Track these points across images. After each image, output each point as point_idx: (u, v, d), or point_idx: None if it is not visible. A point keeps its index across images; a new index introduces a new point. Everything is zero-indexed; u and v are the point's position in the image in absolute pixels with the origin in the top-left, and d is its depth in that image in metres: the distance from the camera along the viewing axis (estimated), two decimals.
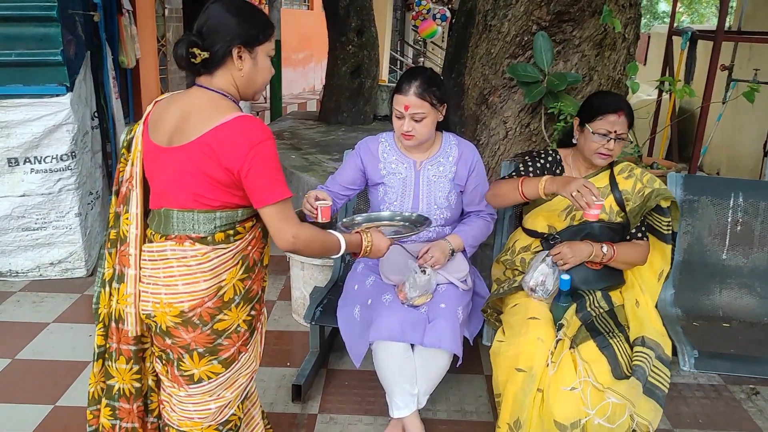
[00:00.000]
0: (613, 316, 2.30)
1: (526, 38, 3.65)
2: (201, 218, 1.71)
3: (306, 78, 12.23)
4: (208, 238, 1.71)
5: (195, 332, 1.74)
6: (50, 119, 3.68)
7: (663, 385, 2.10)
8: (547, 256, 2.32)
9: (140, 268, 1.78)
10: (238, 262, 1.77)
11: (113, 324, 1.82)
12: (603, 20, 3.39)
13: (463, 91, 4.46)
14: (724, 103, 5.61)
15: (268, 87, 8.37)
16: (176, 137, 1.69)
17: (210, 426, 1.85)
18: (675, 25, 5.89)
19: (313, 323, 2.59)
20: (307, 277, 3.29)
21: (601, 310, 2.29)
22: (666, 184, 2.56)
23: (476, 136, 4.03)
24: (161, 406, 1.90)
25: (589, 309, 2.28)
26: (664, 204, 2.40)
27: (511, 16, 3.69)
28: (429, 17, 8.70)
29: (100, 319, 1.87)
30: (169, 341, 1.77)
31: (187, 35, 1.68)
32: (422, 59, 12.91)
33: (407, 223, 2.34)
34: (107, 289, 1.85)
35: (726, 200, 2.71)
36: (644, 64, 10.44)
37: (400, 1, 14.76)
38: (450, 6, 11.83)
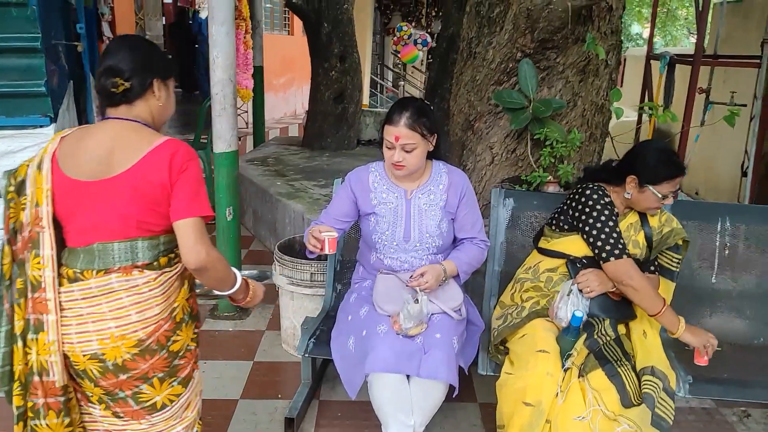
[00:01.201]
0: (620, 344, 2.31)
1: (510, 65, 3.69)
2: (146, 245, 1.73)
3: (287, 103, 12.25)
4: (154, 263, 1.75)
5: (153, 359, 1.75)
6: (34, 150, 3.61)
7: (668, 416, 2.11)
8: (573, 284, 2.33)
9: (62, 310, 1.70)
10: (183, 283, 1.84)
11: (36, 378, 1.70)
12: (587, 47, 3.44)
13: (447, 116, 4.49)
14: (702, 125, 5.70)
15: (250, 112, 8.37)
16: (103, 170, 1.69)
17: None
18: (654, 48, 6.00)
19: (307, 355, 2.56)
20: (296, 307, 3.26)
21: (608, 338, 2.30)
22: None
23: (462, 162, 4.05)
24: None
25: (596, 337, 2.29)
26: (680, 242, 2.46)
27: (496, 43, 3.73)
28: (410, 42, 8.78)
29: (16, 377, 1.72)
30: (123, 376, 1.73)
31: (109, 67, 1.74)
32: (402, 83, 13.02)
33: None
34: (20, 343, 1.71)
35: (713, 224, 2.75)
36: (621, 86, 10.58)
37: (379, 25, 14.91)
38: (429, 31, 11.98)
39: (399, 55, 9.49)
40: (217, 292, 1.87)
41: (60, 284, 1.71)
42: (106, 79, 1.73)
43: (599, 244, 2.37)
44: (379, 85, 13.55)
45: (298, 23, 12.47)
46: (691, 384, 2.33)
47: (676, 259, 2.49)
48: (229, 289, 1.86)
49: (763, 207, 2.82)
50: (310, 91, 6.84)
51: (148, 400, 1.77)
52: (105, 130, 1.75)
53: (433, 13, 12.84)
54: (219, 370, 3.20)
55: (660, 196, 2.36)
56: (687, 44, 22.99)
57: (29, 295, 1.70)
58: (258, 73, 7.06)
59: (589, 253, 2.47)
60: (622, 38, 4.07)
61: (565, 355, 2.26)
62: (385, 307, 2.44)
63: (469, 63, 3.98)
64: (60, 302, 1.70)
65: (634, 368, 2.26)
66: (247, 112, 9.27)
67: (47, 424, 1.73)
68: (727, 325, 2.71)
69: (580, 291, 2.35)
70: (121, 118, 1.76)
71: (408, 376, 2.32)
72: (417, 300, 2.35)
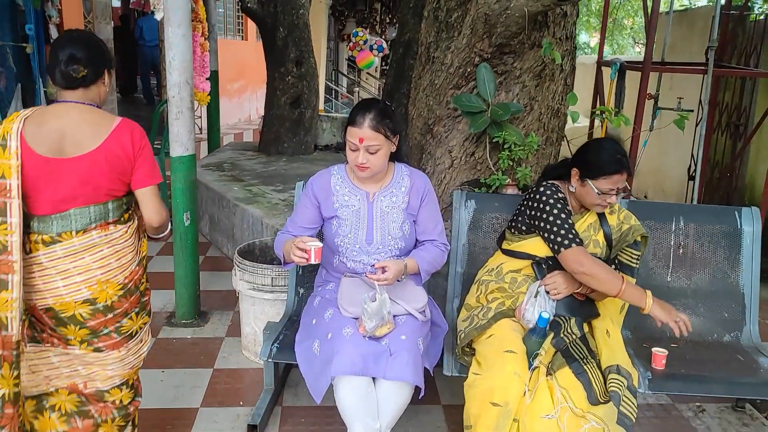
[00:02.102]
0: (585, 342, 2.35)
1: (468, 69, 3.73)
2: (114, 206, 2.11)
3: (241, 108, 12.11)
4: (121, 219, 2.13)
5: (132, 297, 2.17)
6: None
7: (632, 414, 2.15)
8: (540, 286, 2.35)
9: (44, 269, 2.02)
10: (142, 233, 2.25)
11: None
12: (544, 52, 3.50)
13: (405, 120, 4.50)
14: (651, 130, 5.86)
15: (204, 117, 8.24)
16: (70, 148, 2.00)
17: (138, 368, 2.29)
18: (593, 53, 6.15)
19: (270, 360, 2.53)
20: (257, 312, 3.22)
21: (574, 337, 2.33)
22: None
23: (422, 166, 4.07)
24: (81, 385, 2.17)
25: (562, 335, 2.32)
26: (639, 239, 2.51)
27: (454, 48, 3.77)
28: (366, 48, 8.80)
29: None
30: (110, 315, 2.11)
31: (71, 55, 2.01)
32: (357, 89, 13.02)
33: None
34: None
35: (668, 224, 2.82)
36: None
37: (333, 31, 14.89)
38: (384, 37, 12.01)
39: (355, 61, 9.48)
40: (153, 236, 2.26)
41: (32, 250, 2.02)
42: (68, 66, 2.00)
43: (552, 237, 2.41)
44: (333, 91, 13.54)
45: (252, 28, 12.37)
46: (650, 380, 2.38)
47: (636, 255, 2.54)
48: (164, 231, 2.24)
49: (713, 207, 2.91)
50: (266, 96, 6.78)
51: (127, 331, 2.18)
52: (68, 112, 2.04)
53: (387, 20, 12.90)
54: (178, 379, 3.13)
55: (596, 191, 2.40)
56: (632, 53, 23.65)
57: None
58: (213, 78, 6.95)
59: (546, 253, 2.52)
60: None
61: (532, 354, 2.28)
62: (350, 309, 2.43)
63: (428, 67, 4.01)
64: (41, 263, 2.01)
65: (599, 366, 2.29)
66: (200, 117, 9.13)
67: (0, 374, 1.94)
68: None
69: (547, 293, 2.38)
70: (78, 102, 2.05)
71: (374, 379, 2.31)
72: (374, 298, 2.34)
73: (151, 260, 4.59)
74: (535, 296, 2.35)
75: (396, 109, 6.26)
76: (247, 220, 4.40)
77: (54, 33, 5.91)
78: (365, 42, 8.81)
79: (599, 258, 2.48)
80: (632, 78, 5.53)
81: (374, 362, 2.26)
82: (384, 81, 14.22)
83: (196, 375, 3.17)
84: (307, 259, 2.31)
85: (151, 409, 2.82)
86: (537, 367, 2.23)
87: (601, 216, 2.54)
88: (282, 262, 2.55)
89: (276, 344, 2.56)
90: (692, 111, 6.26)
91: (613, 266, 2.56)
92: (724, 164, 6.59)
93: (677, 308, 2.79)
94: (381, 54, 9.02)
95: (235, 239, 4.64)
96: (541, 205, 2.47)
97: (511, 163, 3.63)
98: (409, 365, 2.26)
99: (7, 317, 1.92)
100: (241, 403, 2.95)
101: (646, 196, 8.65)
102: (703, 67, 5.55)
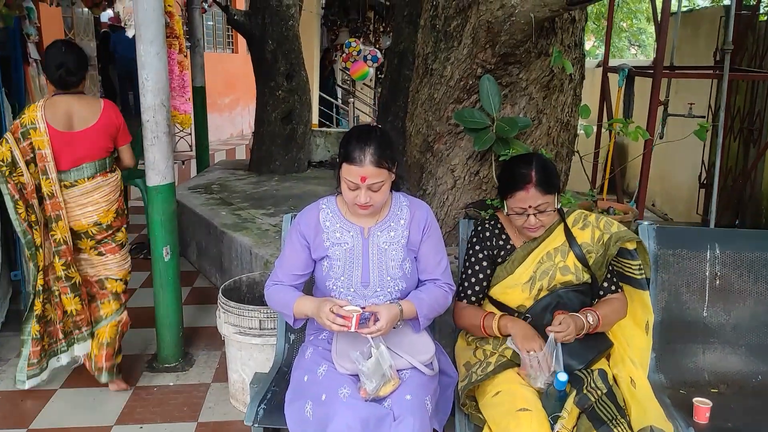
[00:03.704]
0: (613, 398, 2.03)
1: (470, 82, 3.43)
2: (108, 160, 3.10)
3: (233, 123, 11.82)
4: (112, 169, 3.14)
5: (121, 218, 3.17)
6: None
7: None
8: (547, 345, 2.04)
9: (67, 204, 3.01)
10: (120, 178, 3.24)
11: (63, 247, 2.99)
12: (554, 61, 3.21)
13: (401, 136, 4.21)
14: (661, 138, 5.57)
15: (192, 134, 7.95)
16: (77, 124, 3.00)
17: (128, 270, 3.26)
18: (591, 57, 5.86)
19: (257, 425, 2.20)
20: (245, 358, 2.90)
21: (600, 392, 2.02)
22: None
23: (422, 186, 3.77)
24: (97, 272, 3.17)
25: (586, 392, 2.00)
26: (631, 246, 2.19)
27: (454, 59, 3.47)
28: (360, 59, 8.51)
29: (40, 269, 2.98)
30: (110, 231, 3.12)
31: (62, 64, 2.96)
32: (352, 99, 12.71)
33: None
34: (41, 238, 2.97)
35: (702, 252, 2.51)
36: None
37: (327, 41, 14.62)
38: (378, 47, 11.74)
39: (349, 72, 9.19)
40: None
41: (60, 191, 2.99)
42: (63, 72, 2.96)
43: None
44: (328, 103, 13.23)
45: (242, 41, 12.08)
46: None
47: (636, 265, 2.21)
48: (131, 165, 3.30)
49: (751, 231, 2.61)
50: (255, 111, 6.48)
51: (119, 240, 3.18)
52: (69, 100, 3.00)
53: (381, 29, 12.62)
54: None
55: (508, 211, 2.19)
56: (629, 55, 23.43)
57: (47, 201, 2.96)
58: (199, 94, 6.66)
59: (525, 303, 2.23)
60: None
61: (552, 416, 1.97)
62: (347, 365, 2.12)
63: (426, 80, 3.71)
64: (66, 200, 3.00)
65: (629, 425, 1.98)
66: (190, 134, 8.84)
67: (65, 275, 3.02)
68: (722, 363, 2.46)
69: (556, 343, 2.06)
70: (73, 93, 3.02)
71: None
72: (370, 353, 2.03)
73: (134, 294, 4.28)
74: (540, 362, 2.05)
75: (392, 122, 5.98)
76: (235, 249, 4.09)
77: (33, 52, 5.62)
78: (359, 53, 8.52)
79: (580, 283, 2.21)
80: (639, 84, 5.24)
81: (376, 429, 1.95)
82: (379, 91, 13.96)
83: (177, 431, 2.85)
84: (347, 327, 2.01)
85: None
86: (559, 431, 1.92)
87: (570, 235, 2.23)
88: (292, 319, 2.23)
89: (263, 405, 2.23)
90: (704, 117, 6.00)
91: (607, 283, 2.25)
92: (736, 171, 6.30)
93: (715, 347, 2.51)
94: (376, 64, 8.73)
95: (223, 269, 4.32)
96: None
97: None
98: (417, 430, 1.95)
99: (66, 237, 2.99)
100: None
101: (654, 204, 8.36)
102: (718, 72, 5.27)
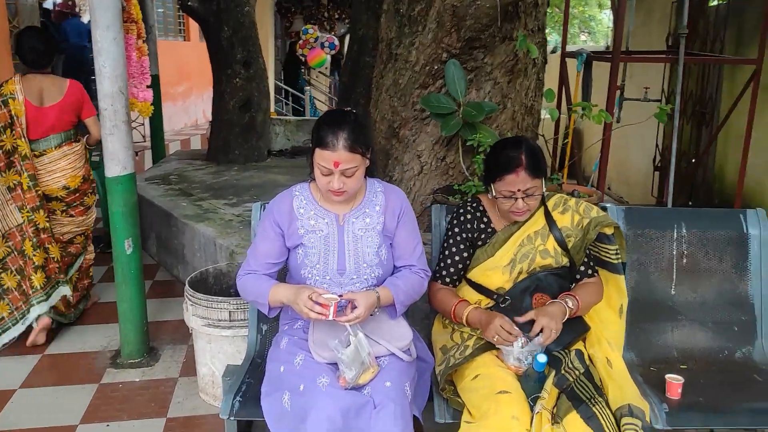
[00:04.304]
0: (590, 378, 2.05)
1: (436, 67, 3.41)
2: (73, 132, 3.62)
3: (187, 113, 11.56)
4: (77, 139, 3.64)
5: (86, 184, 3.67)
6: None
7: None
8: (530, 339, 2.04)
9: (38, 170, 3.47)
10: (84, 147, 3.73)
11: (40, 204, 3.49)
12: (519, 45, 3.21)
13: (367, 123, 4.17)
14: (618, 122, 5.66)
15: (147, 124, 7.75)
16: (47, 100, 3.47)
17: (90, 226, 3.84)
18: (548, 44, 5.91)
19: (232, 418, 2.16)
20: (215, 351, 2.84)
21: (578, 372, 2.04)
22: None
23: (388, 172, 3.74)
24: (69, 231, 3.69)
25: (564, 372, 2.02)
26: (609, 231, 2.20)
27: (419, 44, 3.44)
28: (317, 46, 8.40)
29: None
30: (78, 194, 3.63)
31: (34, 47, 3.47)
32: (308, 88, 12.60)
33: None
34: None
35: (669, 232, 2.55)
36: None
37: (281, 29, 14.42)
38: (333, 33, 11.63)
39: (306, 59, 9.07)
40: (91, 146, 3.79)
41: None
42: (36, 54, 3.47)
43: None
44: (283, 91, 13.07)
45: (194, 28, 11.82)
46: (668, 413, 2.10)
47: (613, 250, 2.22)
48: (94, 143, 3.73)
49: (716, 210, 2.66)
50: (213, 100, 6.34)
51: (86, 203, 3.71)
52: (40, 78, 3.49)
53: (336, 16, 12.50)
54: None
55: (496, 195, 2.18)
56: (579, 42, 23.76)
57: (26, 161, 3.40)
58: (154, 83, 6.47)
59: (505, 285, 2.23)
60: None
61: (532, 397, 1.98)
62: (324, 354, 2.08)
63: (390, 66, 3.67)
64: (35, 165, 3.45)
65: (607, 404, 2.01)
66: (143, 124, 8.61)
67: (49, 226, 3.55)
68: (691, 339, 2.52)
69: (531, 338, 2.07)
70: (44, 73, 3.51)
71: None
72: (348, 341, 2.01)
73: (93, 289, 4.15)
74: (522, 346, 2.04)
75: (355, 110, 5.93)
76: (198, 240, 4.00)
77: None
78: (316, 39, 8.41)
79: (559, 266, 2.22)
80: (593, 69, 5.30)
81: (356, 417, 1.92)
82: (334, 78, 13.86)
83: (147, 427, 2.77)
84: (326, 315, 1.98)
85: None
86: (540, 412, 1.93)
87: (550, 219, 2.25)
88: (267, 308, 2.18)
89: (238, 398, 2.19)
90: (659, 101, 6.12)
91: (584, 267, 2.26)
92: (690, 153, 6.45)
93: (683, 324, 2.56)
94: (333, 51, 8.65)
95: (186, 261, 4.23)
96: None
97: None
98: (397, 417, 1.93)
99: (43, 193, 3.50)
100: None
101: (609, 188, 8.51)
102: (668, 55, 5.38)
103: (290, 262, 2.25)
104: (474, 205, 2.33)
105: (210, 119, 6.75)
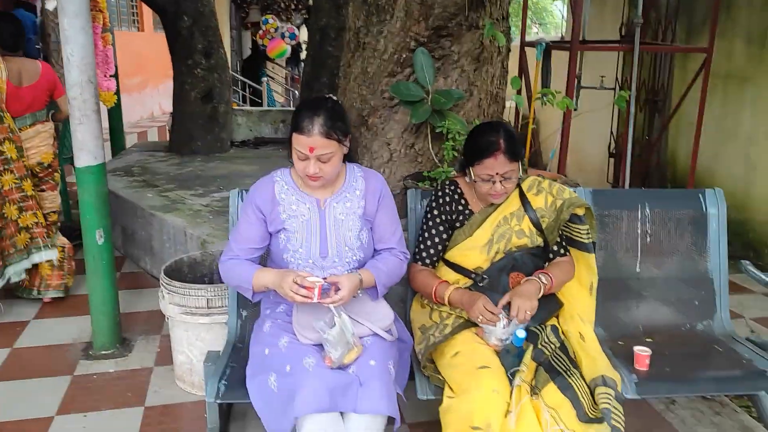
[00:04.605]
0: (565, 351, 2.15)
1: (404, 55, 3.47)
2: (45, 111, 3.90)
3: (143, 105, 11.36)
4: (48, 118, 3.93)
5: (56, 161, 3.95)
6: None
7: (621, 425, 1.97)
8: (508, 319, 2.11)
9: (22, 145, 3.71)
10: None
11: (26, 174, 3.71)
12: (487, 33, 3.29)
13: None
14: (575, 110, 5.80)
15: (105, 116, 7.58)
16: (25, 81, 3.71)
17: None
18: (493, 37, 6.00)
19: (219, 401, 2.18)
20: (192, 339, 2.85)
21: (554, 346, 2.13)
22: None
23: (357, 160, 3.79)
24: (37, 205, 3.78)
25: (540, 347, 2.11)
26: (580, 212, 2.30)
27: (387, 32, 3.49)
28: (277, 36, 8.34)
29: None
30: (50, 169, 3.89)
31: (12, 31, 3.78)
32: (265, 79, 12.49)
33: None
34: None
35: (634, 212, 2.68)
36: None
37: (236, 20, 14.26)
38: (290, 23, 11.55)
39: (266, 50, 9.00)
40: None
41: None
42: (14, 38, 3.79)
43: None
44: (240, 83, 12.93)
45: (148, 18, 11.61)
46: (637, 384, 2.22)
47: (584, 230, 2.32)
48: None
49: (677, 191, 2.80)
50: (173, 91, 6.26)
51: (56, 179, 3.96)
52: (18, 61, 3.76)
53: (293, 6, 12.41)
54: (105, 423, 2.72)
55: (474, 178, 2.26)
56: (531, 34, 24.12)
57: (14, 133, 3.61)
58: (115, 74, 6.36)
59: (482, 265, 2.31)
60: None
61: (511, 371, 2.06)
62: (310, 336, 2.13)
63: (358, 54, 3.71)
64: (20, 137, 3.68)
65: (582, 375, 2.11)
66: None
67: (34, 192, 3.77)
68: (655, 314, 2.65)
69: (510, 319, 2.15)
70: (18, 56, 3.81)
71: (341, 412, 2.03)
72: (333, 322, 2.06)
73: None
74: (504, 327, 2.13)
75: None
76: (167, 230, 3.98)
77: None
78: (276, 30, 8.36)
79: (534, 246, 2.32)
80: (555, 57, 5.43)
81: (343, 395, 1.98)
82: (292, 70, 13.78)
83: (125, 416, 2.77)
84: (311, 298, 2.02)
85: None
86: (519, 385, 2.01)
87: (525, 201, 2.34)
88: (251, 292, 2.21)
89: (224, 381, 2.22)
90: (613, 89, 6.31)
91: (557, 247, 2.36)
92: (643, 140, 6.66)
93: (648, 300, 2.69)
94: (293, 42, 8.61)
95: (154, 252, 4.20)
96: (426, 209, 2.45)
97: (455, 154, 3.40)
98: (383, 395, 2.00)
99: (30, 165, 3.77)
100: None
101: (566, 175, 8.70)
102: (623, 45, 5.54)
103: (272, 247, 2.29)
104: (452, 188, 2.40)
105: (169, 111, 6.66)
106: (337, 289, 2.10)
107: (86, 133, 3.02)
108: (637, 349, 2.35)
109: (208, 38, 6.13)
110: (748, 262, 2.66)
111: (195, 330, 2.83)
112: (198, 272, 3.12)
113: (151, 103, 11.67)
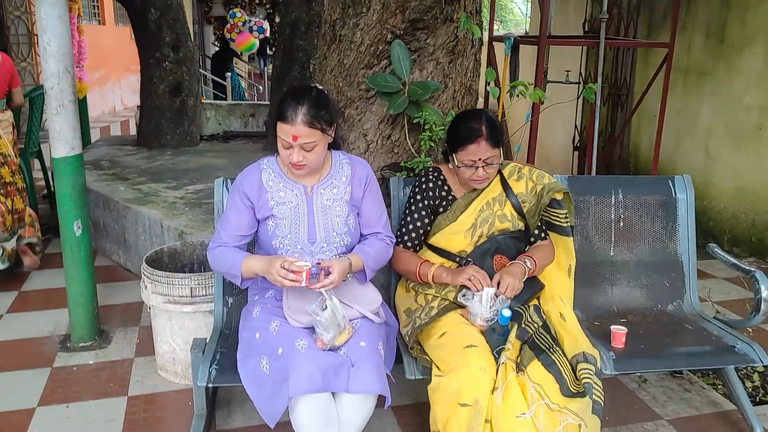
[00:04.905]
0: (547, 329, 2.24)
1: (381, 47, 3.51)
2: (5, 100, 4.10)
3: (105, 99, 11.15)
4: (7, 109, 4.13)
5: (15, 148, 4.14)
6: None
7: (601, 399, 2.06)
8: (496, 294, 2.19)
9: None
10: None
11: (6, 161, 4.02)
12: (463, 26, 3.36)
13: None
14: (542, 104, 5.93)
15: None
16: None
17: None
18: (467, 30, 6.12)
19: (211, 385, 2.21)
20: (175, 328, 2.86)
21: (537, 325, 2.22)
22: None
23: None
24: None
25: (524, 326, 2.19)
26: (559, 197, 2.39)
27: (364, 25, 3.53)
28: (245, 30, 8.29)
29: None
30: (11, 158, 4.02)
31: None
32: (229, 73, 12.38)
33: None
34: None
35: (608, 197, 2.78)
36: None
37: (198, 14, 14.10)
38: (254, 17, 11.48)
39: (234, 44, 8.94)
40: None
41: None
42: None
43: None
44: (203, 78, 12.81)
45: (109, 12, 11.40)
46: (615, 360, 2.32)
47: (562, 214, 2.42)
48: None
49: (649, 177, 2.91)
50: (141, 84, 6.20)
51: (17, 163, 4.11)
52: None
53: (257, 0, 12.34)
54: (88, 413, 2.72)
55: (458, 164, 2.33)
56: (501, 29, 24.44)
57: None
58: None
59: (466, 248, 2.39)
60: None
61: (496, 349, 2.14)
62: (301, 319, 2.18)
63: (335, 47, 3.74)
64: None
65: (564, 353, 2.20)
66: None
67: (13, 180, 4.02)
68: (628, 296, 2.77)
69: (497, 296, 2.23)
70: None
71: (333, 393, 2.08)
72: (324, 305, 2.11)
73: (29, 277, 4.06)
74: (490, 306, 2.20)
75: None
76: (142, 222, 3.95)
77: None
78: (244, 23, 8.31)
79: (515, 230, 2.40)
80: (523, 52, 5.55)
81: (335, 376, 2.03)
82: (260, 65, 13.70)
83: (108, 406, 2.77)
84: (299, 282, 2.06)
85: None
86: (504, 362, 2.09)
87: (506, 186, 2.42)
88: (240, 279, 2.24)
89: (214, 366, 2.24)
90: (579, 83, 6.47)
91: (538, 231, 2.46)
92: (606, 134, 6.84)
93: (621, 282, 2.80)
94: (262, 36, 8.57)
95: (128, 245, 4.17)
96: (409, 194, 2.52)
97: (432, 144, 3.47)
98: (374, 374, 2.05)
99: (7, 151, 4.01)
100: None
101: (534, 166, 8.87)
102: (589, 39, 5.69)
103: (260, 233, 2.32)
104: (435, 174, 2.46)
105: (131, 105, 6.60)
106: (328, 273, 2.14)
107: (64, 123, 3.00)
108: (613, 327, 2.45)
109: (176, 31, 6.09)
110: (714, 244, 2.78)
111: (178, 319, 2.84)
112: (179, 262, 3.12)
113: (112, 98, 11.48)
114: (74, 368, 3.07)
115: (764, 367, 3.07)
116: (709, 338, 2.51)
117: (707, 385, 2.98)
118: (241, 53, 9.20)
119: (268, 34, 9.11)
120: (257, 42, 8.66)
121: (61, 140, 3.01)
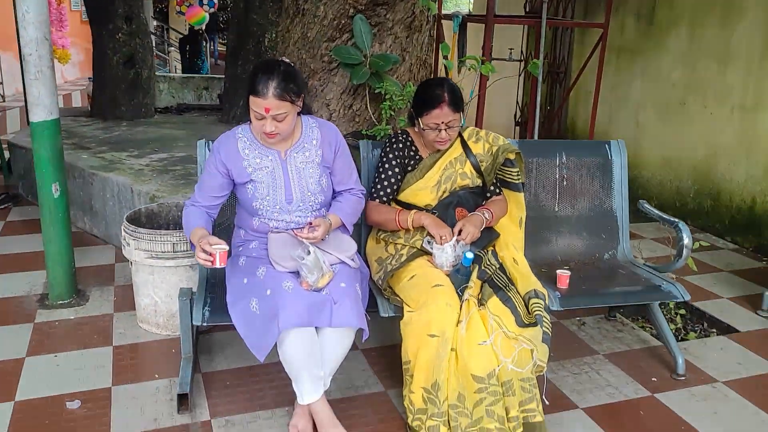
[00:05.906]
0: (503, 271, 2.54)
1: (343, 21, 3.74)
2: None
3: None
4: None
5: None
6: None
7: (549, 330, 2.39)
8: (457, 240, 2.47)
9: None
10: None
11: None
12: (421, 3, 3.62)
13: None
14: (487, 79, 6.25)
15: (4, 83, 7.38)
16: None
17: None
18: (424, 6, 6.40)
19: (205, 324, 2.43)
20: (157, 282, 3.05)
21: (494, 267, 2.52)
22: None
23: None
24: None
25: (484, 268, 2.49)
26: (512, 156, 2.70)
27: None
28: (195, 3, 8.30)
29: None
30: None
31: None
32: (171, 49, 12.29)
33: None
34: None
35: (553, 159, 3.11)
36: None
37: None
38: None
39: (184, 17, 8.92)
40: None
41: None
42: None
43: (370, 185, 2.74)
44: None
45: None
46: (561, 298, 2.65)
47: (515, 172, 2.72)
48: None
49: (589, 142, 3.25)
50: (94, 56, 6.21)
51: None
52: None
53: None
54: (76, 361, 2.89)
55: (423, 127, 2.59)
56: (448, 7, 24.78)
57: None
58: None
59: (431, 202, 2.67)
60: None
61: (460, 288, 2.43)
62: (285, 264, 2.41)
63: (298, 20, 3.95)
64: None
65: (518, 291, 2.51)
66: (1, 83, 8.14)
67: None
68: (570, 247, 3.11)
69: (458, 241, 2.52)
70: None
71: (315, 328, 2.34)
72: (309, 251, 2.36)
73: None
74: (453, 249, 2.49)
75: (243, 66, 6.08)
76: (110, 189, 4.08)
77: None
78: None
79: (474, 186, 2.69)
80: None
81: (319, 312, 2.28)
82: (210, 42, 13.58)
83: (95, 355, 2.95)
84: (212, 263, 2.26)
85: (56, 396, 2.62)
86: (467, 299, 2.39)
87: (466, 147, 2.72)
88: (189, 243, 2.46)
89: (207, 308, 2.47)
90: (521, 60, 6.83)
91: (498, 190, 2.76)
92: (546, 109, 7.25)
93: (564, 235, 3.14)
94: (212, 9, 8.60)
95: (95, 212, 4.29)
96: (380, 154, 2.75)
97: (392, 113, 3.73)
98: (353, 310, 2.32)
99: None
100: (156, 375, 2.81)
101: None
102: (533, 19, 6.03)
103: (240, 196, 2.53)
104: (404, 136, 2.73)
105: (71, 79, 6.59)
106: (313, 228, 2.40)
107: (42, 89, 3.12)
108: (559, 271, 2.79)
109: (129, 3, 6.12)
110: (644, 201, 3.16)
111: (161, 273, 3.03)
112: (155, 222, 3.30)
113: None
114: (56, 323, 3.22)
115: (686, 311, 3.51)
116: (639, 280, 2.88)
117: (637, 327, 3.37)
118: (192, 26, 9.24)
119: (217, 8, 9.14)
120: (207, 15, 8.67)
121: (39, 105, 3.13)
